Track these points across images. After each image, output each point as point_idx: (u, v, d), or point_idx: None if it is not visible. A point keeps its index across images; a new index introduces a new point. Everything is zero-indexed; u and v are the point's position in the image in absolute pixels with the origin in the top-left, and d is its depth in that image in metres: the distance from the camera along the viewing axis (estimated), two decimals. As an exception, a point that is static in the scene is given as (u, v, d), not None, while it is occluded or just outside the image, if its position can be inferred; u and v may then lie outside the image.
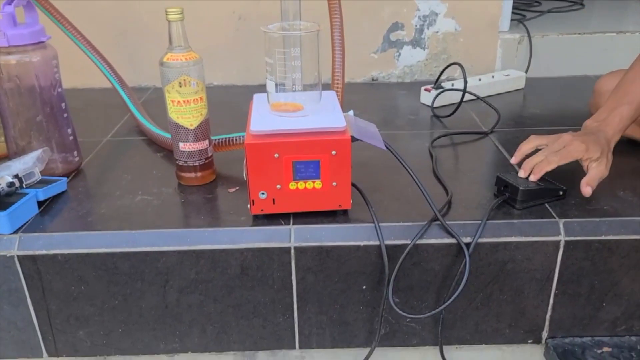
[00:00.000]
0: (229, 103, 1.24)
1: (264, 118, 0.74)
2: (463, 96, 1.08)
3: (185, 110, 0.80)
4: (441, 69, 1.35)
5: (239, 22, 1.30)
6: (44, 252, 0.73)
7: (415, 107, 1.20)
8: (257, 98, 0.83)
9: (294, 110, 0.75)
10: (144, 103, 1.24)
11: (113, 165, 0.94)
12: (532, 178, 0.77)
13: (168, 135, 0.96)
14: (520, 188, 0.76)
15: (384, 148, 0.74)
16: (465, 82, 1.08)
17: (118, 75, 1.06)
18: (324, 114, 0.75)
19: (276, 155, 0.71)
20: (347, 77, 1.36)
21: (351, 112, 0.84)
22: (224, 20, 1.30)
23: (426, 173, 0.89)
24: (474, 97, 1.15)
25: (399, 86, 1.35)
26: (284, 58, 0.71)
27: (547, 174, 0.77)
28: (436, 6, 1.30)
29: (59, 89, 0.85)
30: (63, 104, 0.86)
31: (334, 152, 0.71)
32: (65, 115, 0.86)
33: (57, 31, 0.96)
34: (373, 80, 1.37)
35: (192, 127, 0.81)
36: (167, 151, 0.98)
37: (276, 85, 0.73)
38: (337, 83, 0.88)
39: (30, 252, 0.73)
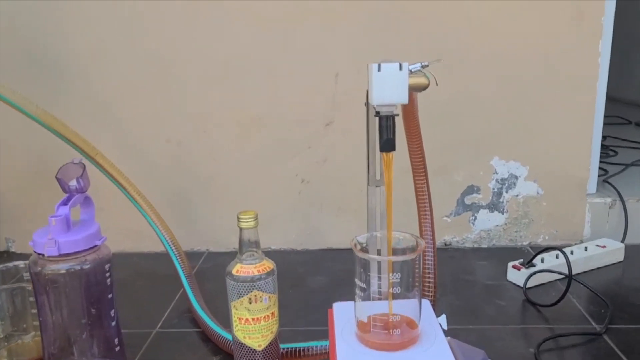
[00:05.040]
0: (289, 273, 1.12)
1: (354, 356, 0.60)
2: (568, 288, 0.93)
3: (254, 329, 0.68)
4: (522, 234, 1.23)
5: (302, 185, 1.22)
6: None
7: (502, 287, 1.05)
8: (339, 310, 0.70)
9: (389, 346, 0.61)
10: (198, 273, 1.14)
11: (163, 373, 0.81)
12: None
13: (226, 335, 0.83)
14: None
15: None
16: (570, 270, 0.93)
17: (176, 242, 0.98)
18: (426, 348, 0.61)
19: (371, 409, 0.56)
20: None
21: (444, 319, 0.70)
22: (287, 183, 1.22)
23: (542, 400, 0.72)
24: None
25: (475, 253, 1.21)
26: (380, 285, 0.59)
27: None
28: (516, 169, 1.20)
29: (110, 295, 0.74)
30: (112, 311, 0.75)
31: (443, 406, 0.56)
32: (113, 323, 0.75)
33: (110, 189, 0.89)
34: (446, 245, 1.24)
35: (260, 349, 0.68)
36: (224, 353, 0.84)
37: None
38: (429, 288, 0.75)
39: None
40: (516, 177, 1.20)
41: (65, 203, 0.72)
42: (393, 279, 0.59)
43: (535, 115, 1.17)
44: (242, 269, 0.67)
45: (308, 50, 1.15)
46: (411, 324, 0.63)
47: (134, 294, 1.06)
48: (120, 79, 1.18)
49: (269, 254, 1.27)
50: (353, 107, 1.16)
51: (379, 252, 0.64)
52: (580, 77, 1.14)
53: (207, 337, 0.89)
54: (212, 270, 1.17)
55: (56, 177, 0.73)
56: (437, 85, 0.60)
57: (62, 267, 0.69)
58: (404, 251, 0.61)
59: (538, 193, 1.21)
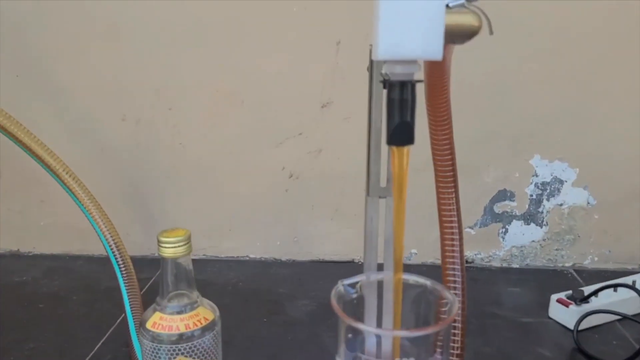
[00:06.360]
0: (267, 293, 0.88)
1: None
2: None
3: (180, 415, 0.43)
4: (564, 252, 0.99)
5: (290, 181, 0.97)
6: None
7: (543, 328, 0.80)
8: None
9: None
10: (152, 288, 0.90)
11: None
12: None
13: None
14: None
15: None
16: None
17: (121, 245, 0.73)
18: None
19: None
20: (432, 257, 0.99)
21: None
22: (270, 177, 0.97)
23: None
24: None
25: (505, 275, 0.96)
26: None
27: None
28: (562, 171, 0.94)
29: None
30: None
31: None
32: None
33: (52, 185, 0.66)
34: (468, 262, 1.00)
35: None
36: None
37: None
38: (454, 351, 0.51)
39: None
40: (561, 182, 0.95)
41: None
42: (401, 367, 0.35)
43: (591, 103, 0.91)
44: (163, 320, 0.42)
45: (301, 9, 0.89)
46: None
47: (65, 314, 0.83)
48: (63, 39, 0.93)
49: (246, 264, 1.05)
50: (358, 84, 0.90)
51: (378, 321, 0.39)
52: (655, 55, 0.88)
53: (140, 389, 0.65)
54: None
55: None
56: (491, 33, 0.35)
57: None
58: (421, 316, 0.36)
59: (589, 203, 0.95)
